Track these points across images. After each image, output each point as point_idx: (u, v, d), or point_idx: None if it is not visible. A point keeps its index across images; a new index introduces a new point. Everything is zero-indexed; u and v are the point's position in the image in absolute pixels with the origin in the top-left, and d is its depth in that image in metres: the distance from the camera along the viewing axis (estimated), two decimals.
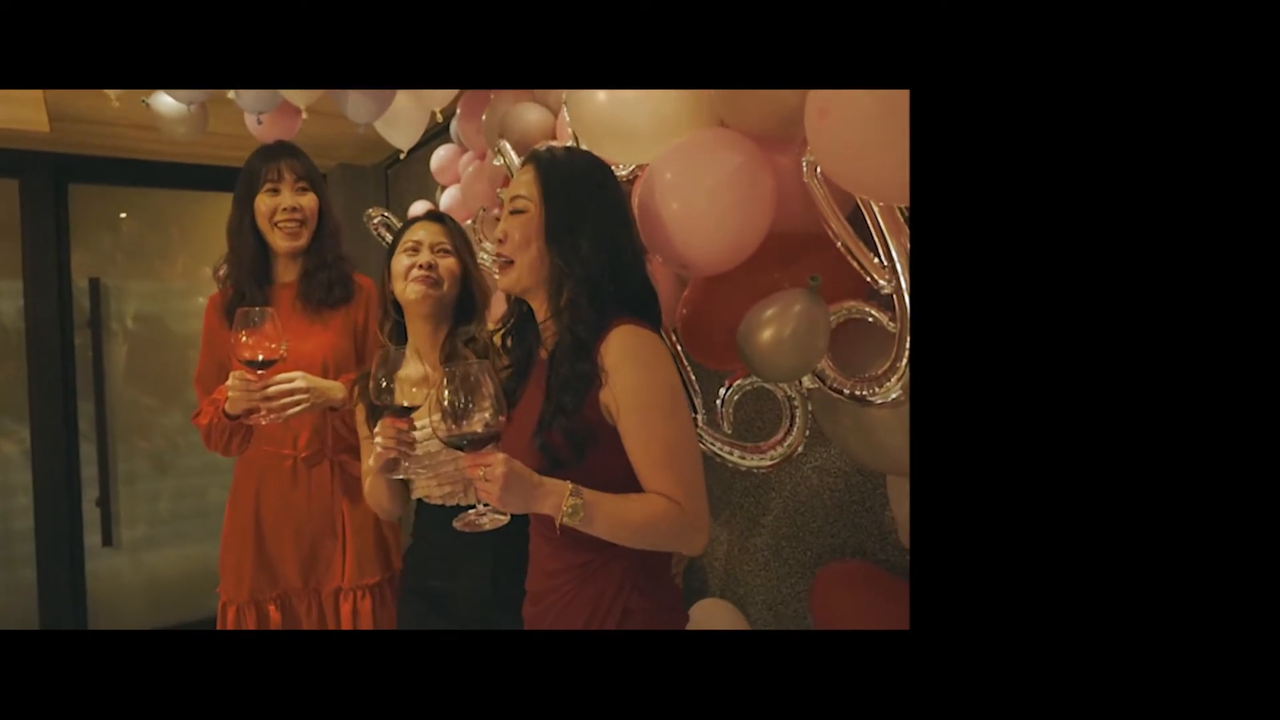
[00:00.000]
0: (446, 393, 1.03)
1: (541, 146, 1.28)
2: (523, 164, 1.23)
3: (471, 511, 1.10)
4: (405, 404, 1.31)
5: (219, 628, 1.78)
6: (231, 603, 1.76)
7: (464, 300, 1.53)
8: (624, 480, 1.12)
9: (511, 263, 1.19)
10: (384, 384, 1.30)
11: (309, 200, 1.74)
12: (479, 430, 1.03)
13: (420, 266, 1.47)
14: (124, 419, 3.49)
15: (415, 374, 1.39)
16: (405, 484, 1.52)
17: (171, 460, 3.57)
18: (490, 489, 1.01)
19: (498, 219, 2.10)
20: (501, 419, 1.04)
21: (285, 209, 1.71)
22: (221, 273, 1.79)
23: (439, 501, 1.48)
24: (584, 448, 1.12)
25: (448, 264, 1.50)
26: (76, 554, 3.35)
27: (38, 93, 2.68)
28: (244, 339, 1.48)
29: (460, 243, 1.53)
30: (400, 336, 1.53)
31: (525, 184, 1.20)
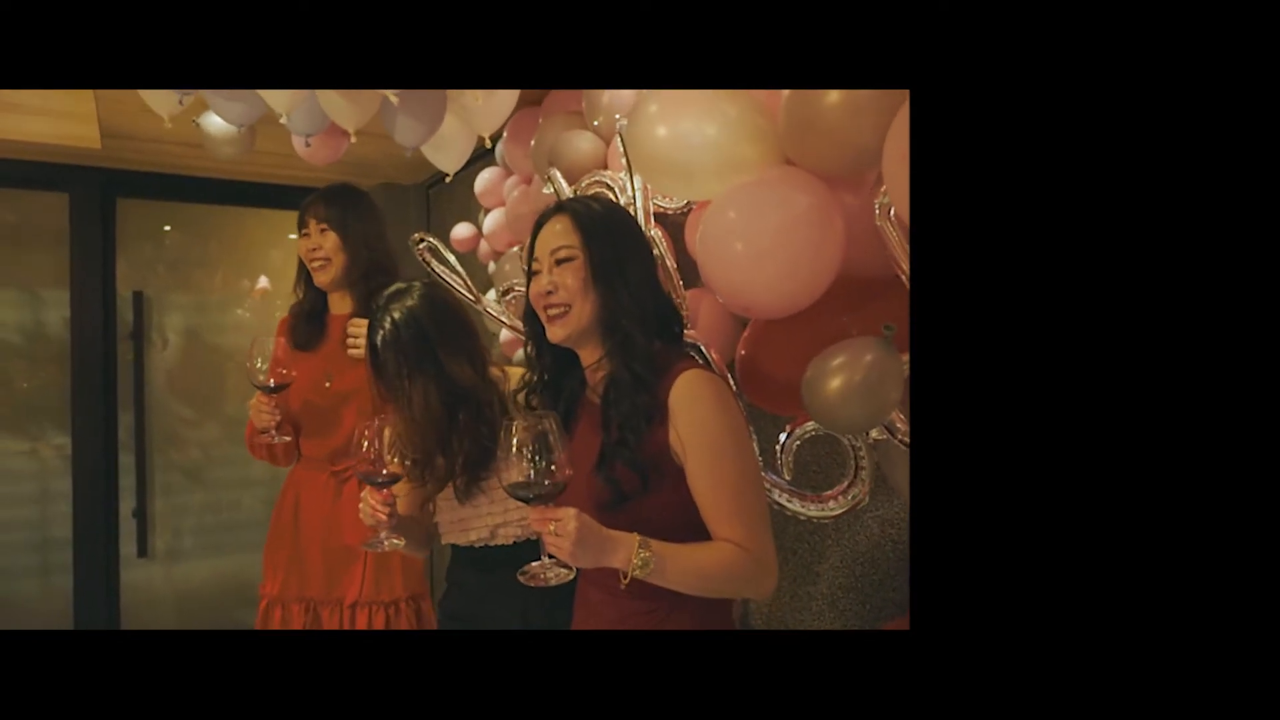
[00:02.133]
0: (515, 443, 1.02)
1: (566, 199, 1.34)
2: (553, 214, 1.24)
3: (536, 564, 1.08)
4: (386, 474, 1.29)
5: (258, 623, 1.92)
6: (275, 602, 1.91)
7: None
8: (685, 518, 1.12)
9: (569, 309, 1.19)
10: (368, 450, 1.27)
11: (329, 240, 1.90)
12: (546, 484, 1.02)
13: None
14: (162, 430, 3.51)
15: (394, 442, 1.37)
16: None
17: (207, 472, 3.58)
18: (562, 544, 1.00)
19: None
20: (569, 472, 1.04)
21: (309, 249, 1.91)
22: (292, 305, 1.99)
23: (467, 544, 1.46)
24: (649, 479, 1.12)
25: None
26: (112, 563, 3.37)
27: (91, 110, 2.71)
28: (257, 365, 1.66)
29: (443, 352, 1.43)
30: None
31: (563, 233, 1.21)
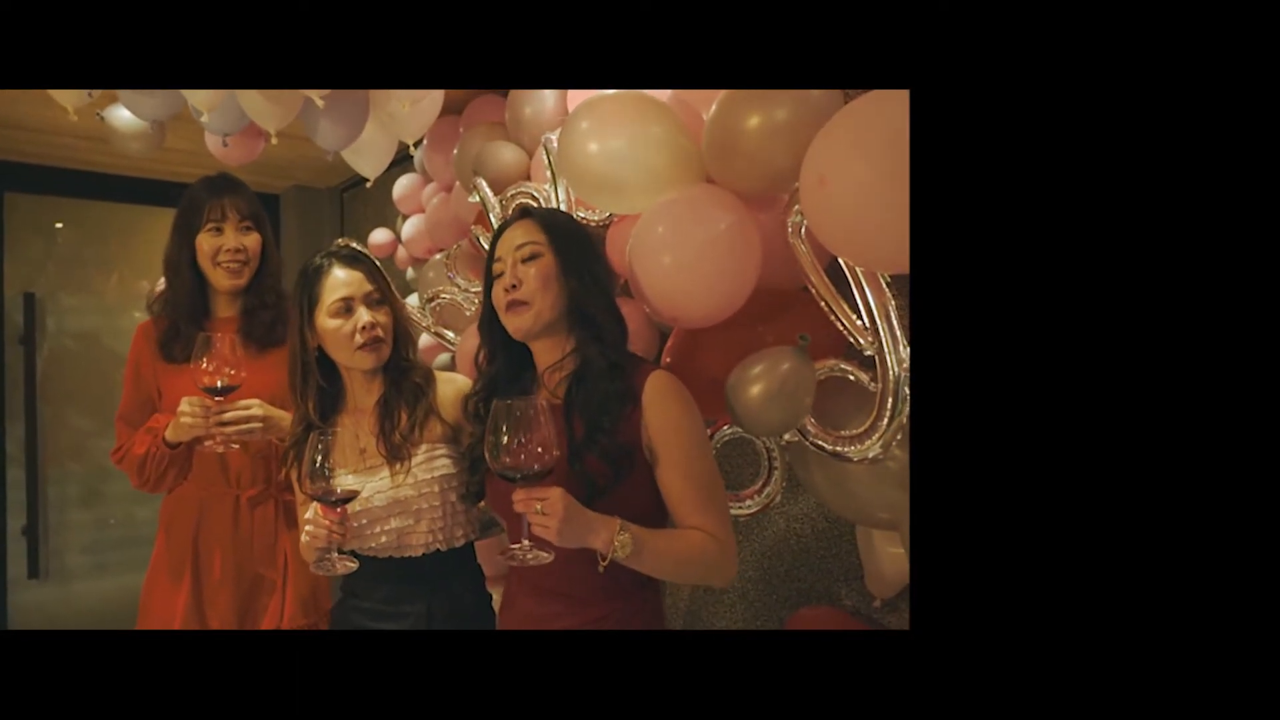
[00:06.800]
0: (504, 427, 1.02)
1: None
2: (516, 220, 1.28)
3: (516, 546, 1.08)
4: (341, 492, 1.24)
5: None
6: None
7: (395, 345, 1.42)
8: (648, 517, 1.16)
9: (528, 305, 1.22)
10: (319, 467, 1.21)
11: (253, 240, 1.70)
12: (535, 467, 1.02)
13: (363, 330, 1.34)
14: (56, 442, 3.33)
15: (351, 456, 1.34)
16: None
17: (105, 486, 3.40)
18: (549, 523, 1.01)
19: (473, 255, 2.12)
20: (557, 453, 1.04)
21: (229, 250, 1.67)
22: (155, 305, 1.74)
23: (371, 554, 1.37)
24: (621, 472, 1.15)
25: (384, 317, 1.38)
26: None
27: None
28: (205, 365, 1.47)
29: (385, 284, 1.42)
30: (328, 405, 1.42)
31: (528, 232, 1.25)
